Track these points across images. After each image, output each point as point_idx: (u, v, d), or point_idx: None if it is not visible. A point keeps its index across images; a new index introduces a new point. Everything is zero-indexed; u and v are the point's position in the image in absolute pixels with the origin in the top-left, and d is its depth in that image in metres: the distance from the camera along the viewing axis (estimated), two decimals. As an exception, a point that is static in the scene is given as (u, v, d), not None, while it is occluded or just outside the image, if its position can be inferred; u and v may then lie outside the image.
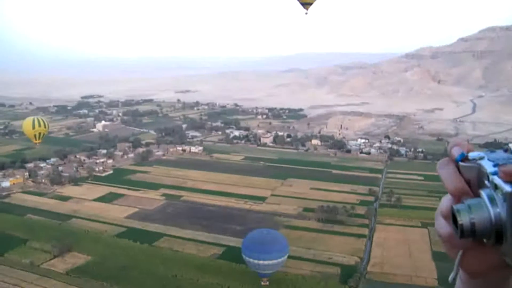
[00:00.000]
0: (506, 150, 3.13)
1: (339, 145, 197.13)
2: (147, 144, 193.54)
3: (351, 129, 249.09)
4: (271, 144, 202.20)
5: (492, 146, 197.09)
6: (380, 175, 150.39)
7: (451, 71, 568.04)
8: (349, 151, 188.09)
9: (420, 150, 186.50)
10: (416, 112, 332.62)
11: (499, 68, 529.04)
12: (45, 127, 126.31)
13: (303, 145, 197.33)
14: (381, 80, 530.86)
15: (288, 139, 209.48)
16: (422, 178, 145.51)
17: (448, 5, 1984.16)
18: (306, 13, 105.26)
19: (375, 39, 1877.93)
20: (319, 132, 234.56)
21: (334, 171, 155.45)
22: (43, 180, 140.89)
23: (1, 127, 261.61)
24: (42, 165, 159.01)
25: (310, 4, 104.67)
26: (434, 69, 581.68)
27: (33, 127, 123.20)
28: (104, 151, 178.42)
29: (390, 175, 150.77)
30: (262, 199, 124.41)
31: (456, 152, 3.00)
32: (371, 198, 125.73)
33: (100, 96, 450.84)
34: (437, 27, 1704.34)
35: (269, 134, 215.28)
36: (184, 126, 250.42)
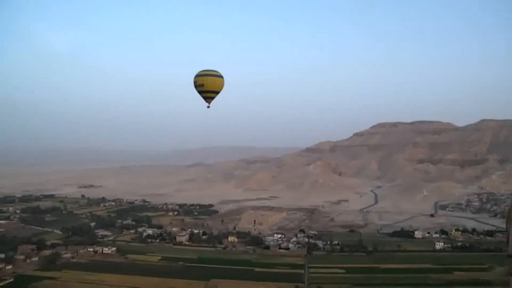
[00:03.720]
0: None
1: (257, 241, 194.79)
2: (53, 246, 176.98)
3: (265, 224, 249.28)
4: (187, 243, 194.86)
5: (399, 234, 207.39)
6: (302, 271, 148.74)
7: (350, 164, 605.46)
8: (267, 247, 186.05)
9: (336, 242, 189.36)
10: (324, 205, 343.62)
11: (392, 160, 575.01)
12: None
13: (220, 243, 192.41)
14: (286, 174, 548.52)
15: (204, 237, 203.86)
16: (344, 271, 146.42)
17: (342, 102, 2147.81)
18: (208, 107, 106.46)
19: (275, 133, 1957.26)
20: (234, 229, 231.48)
21: (256, 269, 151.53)
22: None
23: None
24: None
25: (212, 98, 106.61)
26: (335, 162, 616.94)
27: None
28: (2, 255, 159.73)
29: (312, 270, 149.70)
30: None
31: None
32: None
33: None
34: (334, 122, 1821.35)
35: (184, 232, 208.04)
36: (92, 224, 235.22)
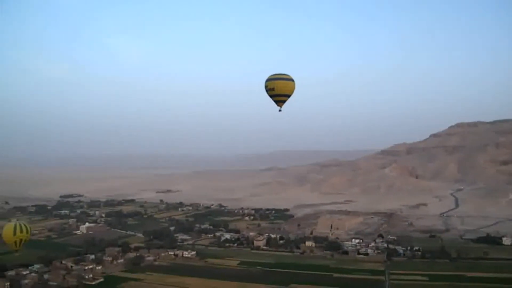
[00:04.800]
0: None
1: (335, 246, 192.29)
2: (137, 249, 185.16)
3: (342, 229, 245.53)
4: (264, 247, 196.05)
5: (485, 241, 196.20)
6: (383, 277, 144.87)
7: (427, 166, 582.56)
8: (346, 252, 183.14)
9: (416, 248, 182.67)
10: (402, 209, 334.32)
11: (472, 162, 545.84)
12: (27, 233, 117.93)
13: (298, 248, 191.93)
14: (361, 177, 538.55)
15: (281, 242, 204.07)
16: (427, 278, 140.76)
17: (418, 102, 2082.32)
18: (280, 110, 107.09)
19: (349, 136, 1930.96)
20: (311, 233, 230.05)
21: (335, 275, 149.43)
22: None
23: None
24: (25, 272, 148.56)
25: (284, 102, 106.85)
26: (411, 164, 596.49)
27: (15, 234, 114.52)
28: (92, 256, 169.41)
29: (393, 276, 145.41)
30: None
31: None
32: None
33: (79, 196, 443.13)
34: (409, 124, 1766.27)
35: (261, 237, 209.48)
36: (172, 228, 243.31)
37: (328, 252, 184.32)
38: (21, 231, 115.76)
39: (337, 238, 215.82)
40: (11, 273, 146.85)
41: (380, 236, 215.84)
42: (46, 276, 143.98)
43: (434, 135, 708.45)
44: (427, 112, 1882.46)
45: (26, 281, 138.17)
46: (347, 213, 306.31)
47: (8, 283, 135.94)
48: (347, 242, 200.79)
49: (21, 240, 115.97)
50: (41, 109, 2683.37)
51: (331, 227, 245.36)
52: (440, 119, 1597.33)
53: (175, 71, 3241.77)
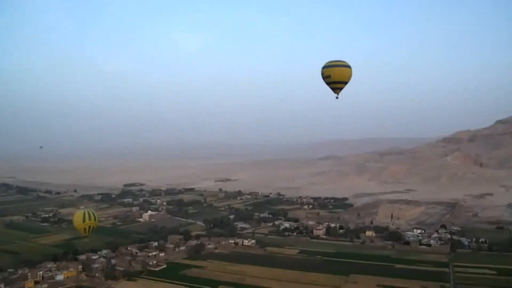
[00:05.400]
0: None
1: (396, 236, 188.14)
2: (198, 237, 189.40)
3: (403, 219, 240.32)
4: (324, 237, 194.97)
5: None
6: (447, 269, 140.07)
7: (493, 154, 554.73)
8: (407, 243, 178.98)
9: (483, 240, 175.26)
10: (466, 198, 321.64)
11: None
12: (95, 220, 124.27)
13: (358, 237, 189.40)
14: (421, 166, 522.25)
15: (341, 231, 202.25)
16: (494, 272, 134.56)
17: (482, 87, 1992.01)
18: (337, 97, 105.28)
19: (409, 124, 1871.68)
20: (371, 223, 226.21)
21: (397, 265, 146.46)
22: (96, 274, 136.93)
23: (50, 215, 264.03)
24: (94, 257, 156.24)
25: (341, 89, 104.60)
26: (475, 152, 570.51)
27: (84, 221, 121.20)
28: (155, 243, 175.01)
29: (458, 269, 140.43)
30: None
31: None
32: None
33: (141, 184, 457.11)
34: (473, 110, 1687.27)
35: (321, 226, 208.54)
36: (231, 217, 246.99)
37: (389, 242, 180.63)
38: (90, 219, 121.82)
39: (398, 228, 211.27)
40: (82, 257, 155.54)
41: (443, 226, 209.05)
42: (113, 261, 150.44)
43: (500, 122, 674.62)
44: (492, 98, 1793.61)
45: (96, 265, 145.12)
46: (408, 202, 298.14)
47: (81, 266, 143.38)
48: (408, 232, 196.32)
49: (89, 227, 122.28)
50: (106, 103, 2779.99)
51: (392, 217, 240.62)
52: (507, 105, 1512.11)
53: (234, 61, 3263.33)
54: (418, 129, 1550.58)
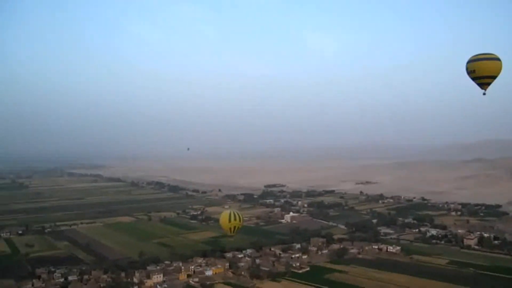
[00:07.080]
0: None
1: None
2: (340, 240, 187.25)
3: None
4: (476, 247, 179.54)
5: None
6: None
7: None
8: None
9: None
10: None
11: None
12: (239, 220, 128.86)
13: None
14: None
15: (496, 242, 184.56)
16: None
17: None
18: (484, 93, 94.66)
19: None
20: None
21: None
22: (242, 273, 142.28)
23: (198, 212, 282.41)
24: (240, 255, 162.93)
25: (488, 84, 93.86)
26: None
27: (229, 221, 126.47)
28: (298, 245, 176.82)
29: None
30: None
31: None
32: None
33: (282, 186, 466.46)
34: None
35: (472, 235, 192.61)
36: (374, 221, 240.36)
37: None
38: (235, 219, 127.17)
39: None
40: (228, 255, 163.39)
41: None
42: (257, 261, 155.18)
43: None
44: None
45: (242, 264, 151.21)
46: None
47: (228, 264, 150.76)
48: None
49: (234, 227, 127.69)
50: (244, 107, 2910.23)
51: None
52: None
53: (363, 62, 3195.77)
54: None
